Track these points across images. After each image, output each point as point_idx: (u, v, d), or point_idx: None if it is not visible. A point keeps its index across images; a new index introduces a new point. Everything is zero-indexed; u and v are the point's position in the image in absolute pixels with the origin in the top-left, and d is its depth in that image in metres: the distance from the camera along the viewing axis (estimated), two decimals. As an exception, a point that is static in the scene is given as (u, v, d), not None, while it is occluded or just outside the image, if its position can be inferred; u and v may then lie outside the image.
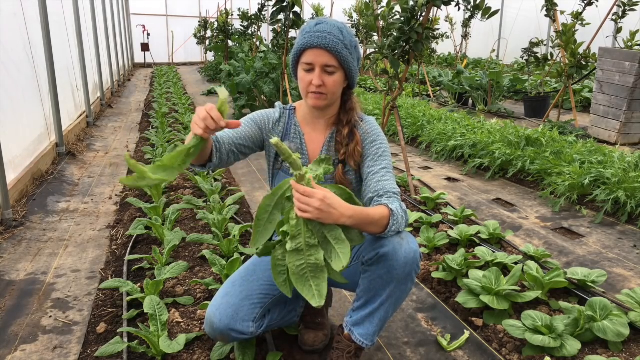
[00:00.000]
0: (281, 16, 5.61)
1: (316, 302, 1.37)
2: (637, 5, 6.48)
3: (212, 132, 1.38)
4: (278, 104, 1.87)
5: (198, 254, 2.83)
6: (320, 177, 1.46)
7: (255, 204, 3.78)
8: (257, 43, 10.57)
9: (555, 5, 6.75)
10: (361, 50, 1.87)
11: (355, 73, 1.70)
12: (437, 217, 3.28)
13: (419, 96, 9.40)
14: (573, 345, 1.94)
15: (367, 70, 10.86)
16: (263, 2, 8.78)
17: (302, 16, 5.67)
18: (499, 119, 6.30)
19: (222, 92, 1.36)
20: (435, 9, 4.09)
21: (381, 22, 4.22)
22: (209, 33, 14.51)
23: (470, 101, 8.71)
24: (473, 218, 3.44)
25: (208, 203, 3.55)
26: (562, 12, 6.75)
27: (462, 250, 2.65)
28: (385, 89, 4.34)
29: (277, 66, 7.15)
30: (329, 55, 1.60)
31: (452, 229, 3.10)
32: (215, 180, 4.15)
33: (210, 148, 1.59)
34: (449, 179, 4.57)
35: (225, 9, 11.85)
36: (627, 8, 6.53)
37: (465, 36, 10.95)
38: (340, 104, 1.78)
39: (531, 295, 2.24)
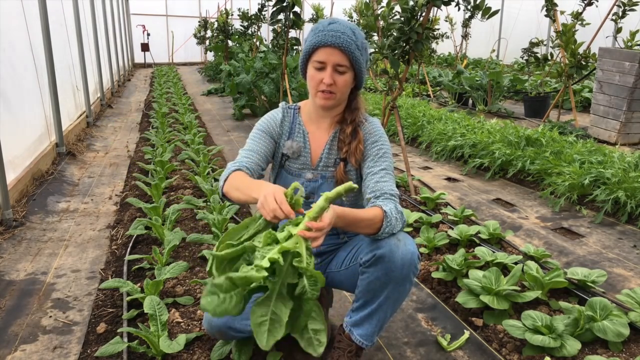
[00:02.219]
0: (281, 16, 5.61)
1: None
2: (637, 5, 6.47)
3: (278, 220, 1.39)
4: (282, 104, 1.88)
5: (198, 254, 2.83)
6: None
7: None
8: (257, 43, 10.57)
9: (555, 5, 6.75)
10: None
11: (363, 74, 1.72)
12: (437, 217, 3.28)
13: (419, 96, 9.40)
14: (573, 345, 1.94)
15: (367, 70, 10.85)
16: (263, 2, 8.79)
17: (302, 16, 5.68)
18: (499, 119, 6.30)
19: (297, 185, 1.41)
20: (435, 9, 4.09)
21: (381, 22, 4.22)
22: (209, 33, 14.51)
23: (470, 101, 8.71)
24: (473, 218, 3.44)
25: (208, 203, 3.55)
26: (562, 12, 6.75)
27: (462, 250, 2.65)
28: (385, 89, 4.34)
29: (277, 66, 7.16)
30: (342, 54, 1.61)
31: (452, 229, 3.10)
32: (215, 180, 4.15)
33: None
34: (449, 179, 4.57)
35: (225, 9, 11.85)
36: (627, 8, 6.53)
37: (465, 36, 10.94)
38: (346, 103, 1.79)
39: (531, 295, 2.24)
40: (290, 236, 1.35)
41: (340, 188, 1.37)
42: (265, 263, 1.24)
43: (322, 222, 1.35)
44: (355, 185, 1.36)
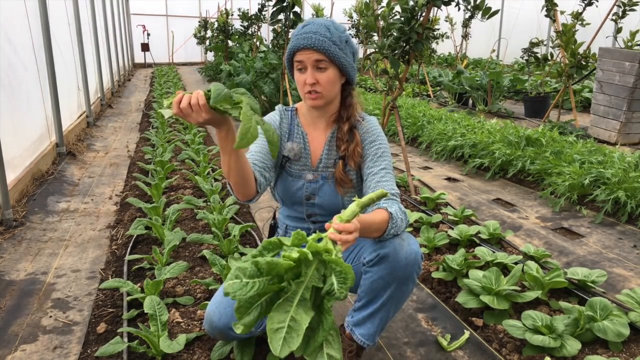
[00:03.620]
0: (281, 16, 5.61)
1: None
2: (637, 5, 6.47)
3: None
4: (278, 106, 1.88)
5: (198, 254, 2.83)
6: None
7: (255, 204, 3.78)
8: (257, 43, 10.57)
9: (555, 5, 6.75)
10: (357, 46, 1.86)
11: (350, 67, 1.70)
12: (437, 217, 3.28)
13: (419, 96, 9.40)
14: (573, 345, 1.94)
15: (367, 70, 10.84)
16: (263, 2, 8.79)
17: (302, 16, 5.67)
18: (499, 119, 6.30)
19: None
20: (435, 9, 4.09)
21: (381, 22, 4.22)
22: (209, 33, 14.51)
23: (470, 101, 8.71)
24: (473, 218, 3.44)
25: (208, 203, 3.55)
26: (562, 12, 6.75)
27: (462, 250, 2.65)
28: (385, 89, 4.34)
29: (277, 66, 7.15)
30: (318, 53, 1.62)
31: (452, 229, 3.09)
32: (215, 180, 4.15)
33: (252, 182, 1.61)
34: (449, 179, 4.57)
35: (225, 9, 11.85)
36: (627, 8, 6.53)
37: (465, 36, 10.94)
38: (340, 100, 1.79)
39: (531, 295, 2.24)
40: (319, 240, 1.28)
41: (373, 195, 1.33)
42: (295, 254, 1.18)
43: (349, 224, 1.29)
44: (387, 191, 1.34)
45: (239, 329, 1.21)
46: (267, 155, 1.74)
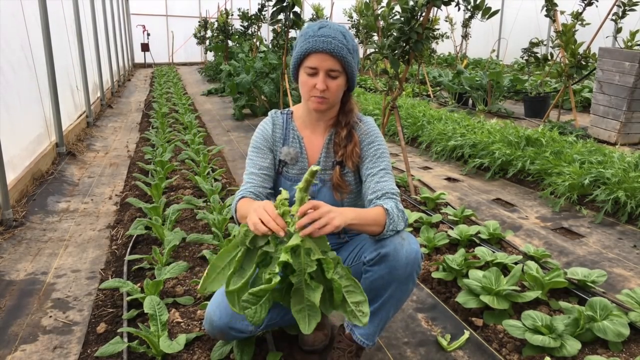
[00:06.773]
0: (281, 16, 5.61)
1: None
2: (637, 5, 6.47)
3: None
4: (271, 112, 1.86)
5: (198, 254, 2.83)
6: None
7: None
8: (257, 43, 10.57)
9: (555, 5, 6.75)
10: (360, 51, 1.86)
11: (355, 76, 1.71)
12: (437, 217, 3.28)
13: (419, 96, 9.40)
14: (573, 345, 1.94)
15: (367, 70, 10.85)
16: (263, 2, 8.79)
17: (302, 16, 5.67)
18: (499, 119, 6.30)
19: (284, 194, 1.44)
20: (435, 9, 4.09)
21: (381, 22, 4.22)
22: (209, 33, 14.51)
23: (470, 101, 8.70)
24: (473, 218, 3.44)
25: (208, 203, 3.55)
26: (562, 12, 6.75)
27: (462, 250, 2.65)
28: (385, 89, 4.34)
29: (277, 66, 7.16)
30: (334, 60, 1.61)
31: (452, 229, 3.10)
32: (216, 180, 4.15)
33: None
34: (449, 179, 4.57)
35: (225, 9, 11.85)
36: (627, 8, 6.53)
37: (465, 36, 10.94)
38: (339, 105, 1.78)
39: (531, 295, 2.24)
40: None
41: (306, 176, 1.40)
42: (277, 269, 1.35)
43: (304, 205, 1.39)
44: (318, 167, 1.38)
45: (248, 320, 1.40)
46: (262, 175, 1.76)
